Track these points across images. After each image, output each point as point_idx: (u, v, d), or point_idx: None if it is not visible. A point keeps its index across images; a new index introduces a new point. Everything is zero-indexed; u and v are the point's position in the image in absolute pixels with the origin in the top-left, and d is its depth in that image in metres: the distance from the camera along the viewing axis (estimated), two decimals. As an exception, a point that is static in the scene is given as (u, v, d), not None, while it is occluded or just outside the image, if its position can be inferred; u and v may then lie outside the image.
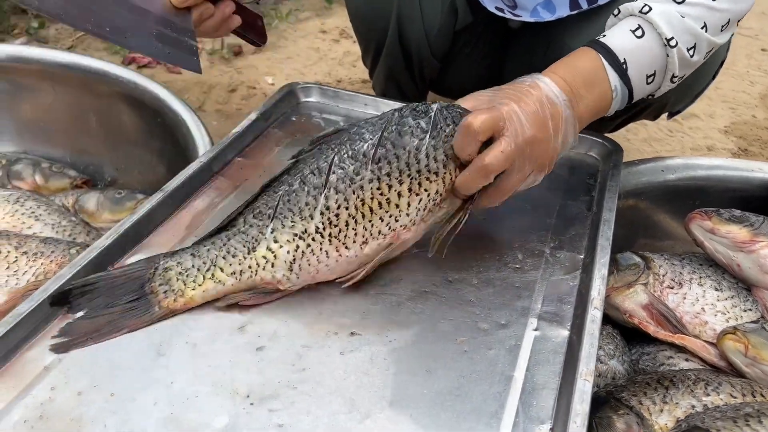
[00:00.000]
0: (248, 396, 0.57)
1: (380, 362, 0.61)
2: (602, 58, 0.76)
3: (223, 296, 0.66)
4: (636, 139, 1.62)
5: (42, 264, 0.84)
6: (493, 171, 0.65)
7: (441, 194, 0.67)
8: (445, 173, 0.66)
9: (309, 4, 2.18)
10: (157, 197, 0.78)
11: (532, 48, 1.09)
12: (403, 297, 0.68)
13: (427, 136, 0.66)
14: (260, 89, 1.70)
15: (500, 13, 0.99)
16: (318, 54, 1.91)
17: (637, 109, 1.04)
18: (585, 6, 0.95)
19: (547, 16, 0.96)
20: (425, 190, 0.66)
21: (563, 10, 0.96)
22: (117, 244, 0.71)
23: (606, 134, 0.99)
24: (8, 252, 0.84)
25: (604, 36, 0.78)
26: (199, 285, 0.65)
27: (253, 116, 0.95)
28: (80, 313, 0.63)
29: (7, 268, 0.83)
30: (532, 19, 0.97)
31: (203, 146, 0.95)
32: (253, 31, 1.03)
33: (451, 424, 0.55)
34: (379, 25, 1.09)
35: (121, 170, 1.18)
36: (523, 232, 0.78)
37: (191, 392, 0.57)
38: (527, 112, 0.67)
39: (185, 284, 0.65)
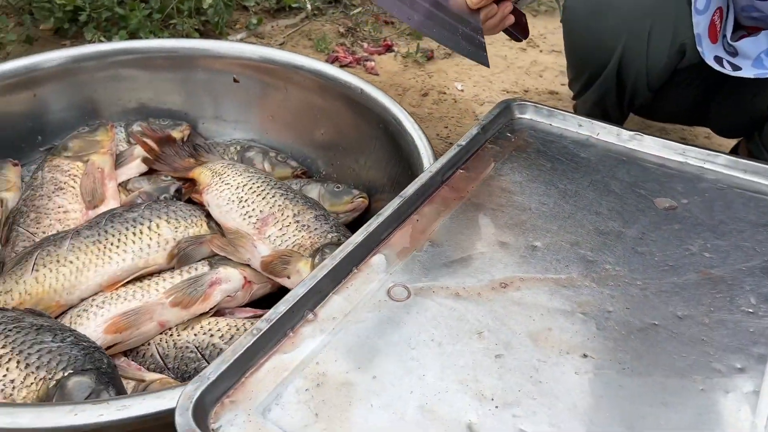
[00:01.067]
0: (492, 399, 0.63)
1: (615, 388, 0.64)
2: None
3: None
4: None
5: (302, 236, 0.98)
6: None
7: None
8: None
9: (497, 11, 2.22)
10: (396, 202, 0.86)
11: (741, 91, 1.07)
12: (632, 327, 0.71)
13: None
14: (450, 95, 1.77)
15: (718, 66, 0.98)
16: (505, 62, 1.95)
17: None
18: None
19: None
20: None
21: None
22: (365, 242, 0.80)
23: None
24: (285, 217, 1.02)
25: None
26: None
27: (474, 131, 1.02)
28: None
29: (280, 229, 1.00)
30: (753, 74, 0.95)
31: (426, 156, 1.02)
32: (519, 27, 1.13)
33: (689, 459, 0.58)
34: (600, 56, 1.11)
35: (335, 167, 1.30)
36: (755, 275, 0.77)
37: (441, 387, 0.64)
38: None
39: None
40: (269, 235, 1.01)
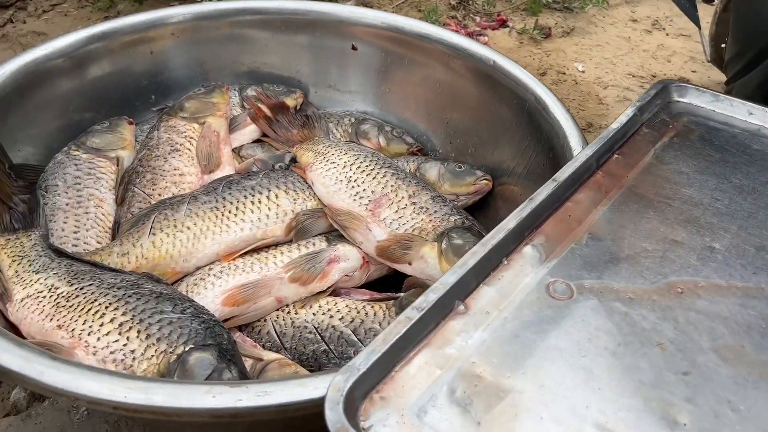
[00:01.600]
0: (685, 425, 0.54)
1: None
2: None
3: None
4: None
5: (422, 219, 0.89)
6: None
7: None
8: None
9: (620, -11, 2.06)
10: (550, 186, 0.76)
11: None
12: None
13: None
14: (570, 75, 1.64)
15: None
16: (629, 44, 1.80)
17: None
18: None
19: None
20: None
21: None
22: (517, 229, 0.71)
23: None
24: (401, 199, 0.93)
25: None
26: None
27: (630, 112, 0.90)
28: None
29: (396, 211, 0.92)
30: None
31: (575, 138, 0.92)
32: None
33: None
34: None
35: (453, 145, 1.21)
36: None
37: (623, 404, 0.55)
38: None
39: None
40: (384, 218, 0.93)
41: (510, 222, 0.71)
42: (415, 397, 0.55)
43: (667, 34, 1.86)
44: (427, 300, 0.61)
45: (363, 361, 0.55)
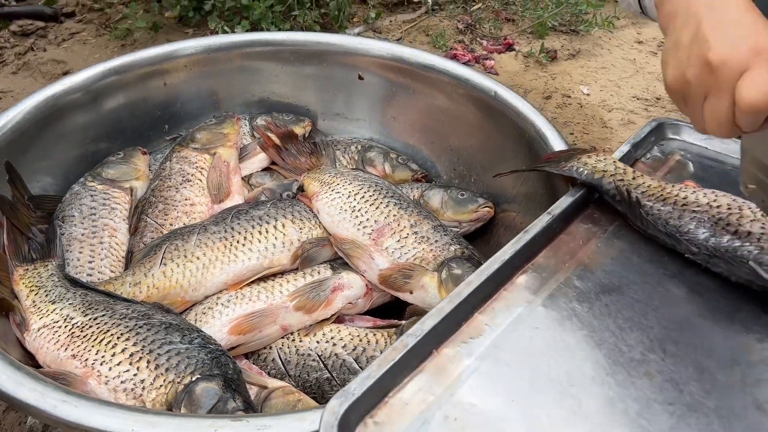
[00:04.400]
0: (669, 457, 0.55)
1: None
2: None
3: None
4: None
5: (423, 249, 0.92)
6: None
7: None
8: None
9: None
10: (545, 219, 0.79)
11: None
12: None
13: None
14: (575, 98, 1.66)
15: None
16: (634, 66, 1.82)
17: None
18: None
19: None
20: None
21: None
22: (512, 261, 0.74)
23: None
24: (402, 228, 0.96)
25: None
26: None
27: (625, 148, 0.93)
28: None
29: (398, 240, 0.95)
30: None
31: (572, 168, 0.94)
32: None
33: None
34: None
35: (457, 172, 1.23)
36: None
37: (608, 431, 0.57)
38: None
39: None
40: (387, 247, 0.96)
41: (505, 254, 0.74)
42: (408, 423, 0.58)
43: (673, 56, 1.88)
44: (422, 328, 0.64)
45: (358, 386, 0.58)
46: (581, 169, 0.85)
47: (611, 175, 0.83)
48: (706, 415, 0.59)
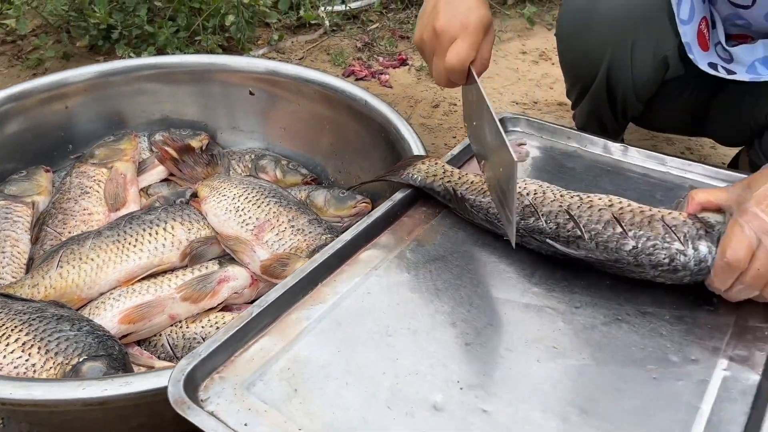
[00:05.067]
0: (458, 381, 0.69)
1: (573, 375, 0.69)
2: None
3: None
4: None
5: (298, 240, 1.04)
6: None
7: None
8: None
9: (512, 25, 2.28)
10: (387, 205, 0.93)
11: (739, 100, 1.10)
12: (597, 321, 0.76)
13: None
14: (460, 106, 1.82)
15: (713, 71, 1.02)
16: (517, 75, 2.00)
17: None
18: None
19: (765, 75, 0.97)
20: None
21: None
22: (355, 240, 0.87)
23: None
24: (281, 223, 1.08)
25: None
26: None
27: (466, 142, 1.08)
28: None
29: (277, 234, 1.07)
30: (748, 78, 0.99)
31: (422, 162, 1.08)
32: None
33: (636, 438, 0.63)
34: (588, 70, 1.16)
35: (343, 173, 1.37)
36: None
37: (412, 370, 0.70)
38: None
39: None
40: (267, 240, 1.08)
41: (348, 233, 0.87)
42: (249, 374, 0.70)
43: (553, 64, 2.07)
44: (267, 299, 0.76)
45: (204, 348, 0.69)
46: (416, 176, 0.98)
47: (440, 178, 0.96)
48: (494, 349, 0.73)
